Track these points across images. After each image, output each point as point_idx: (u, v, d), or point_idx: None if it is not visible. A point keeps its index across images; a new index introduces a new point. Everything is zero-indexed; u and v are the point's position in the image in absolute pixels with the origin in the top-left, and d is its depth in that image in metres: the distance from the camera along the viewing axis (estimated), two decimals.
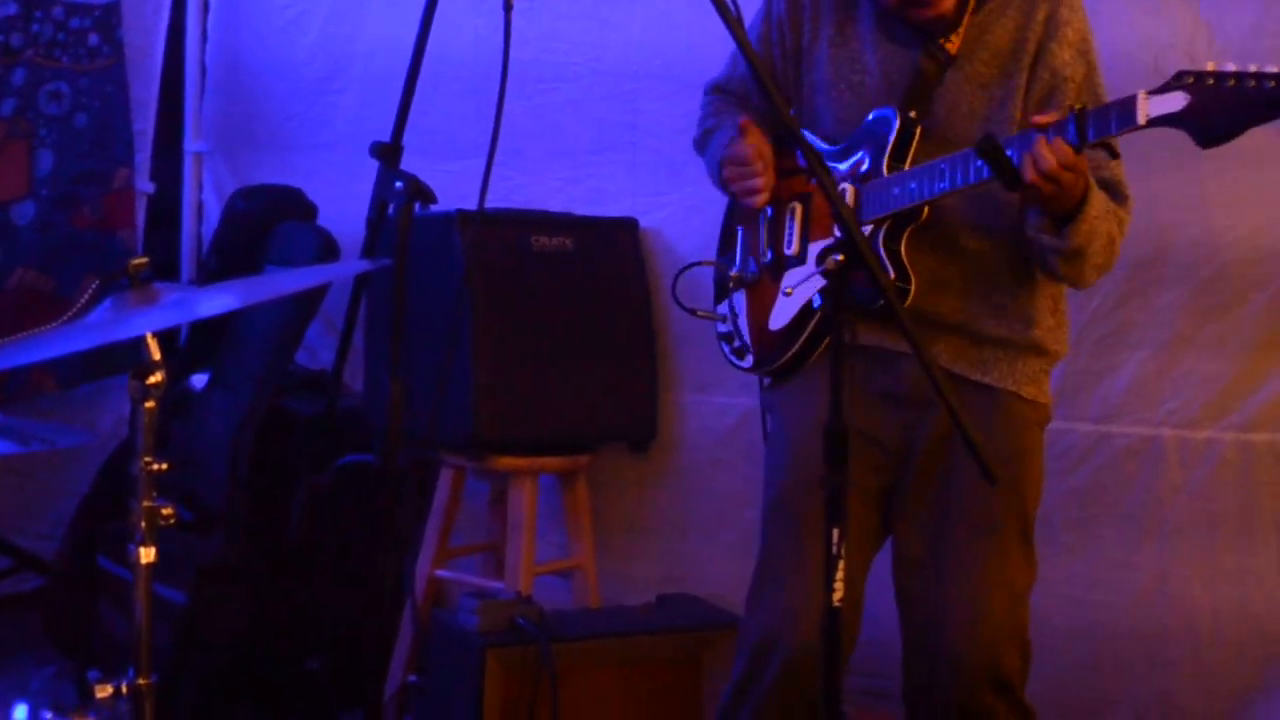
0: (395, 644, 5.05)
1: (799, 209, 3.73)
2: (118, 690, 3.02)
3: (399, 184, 3.69)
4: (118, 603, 5.01)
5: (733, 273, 3.84)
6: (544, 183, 5.39)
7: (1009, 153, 3.23)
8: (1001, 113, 3.52)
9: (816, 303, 3.61)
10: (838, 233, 3.28)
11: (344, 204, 5.33)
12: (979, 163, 3.28)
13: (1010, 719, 3.51)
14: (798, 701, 3.49)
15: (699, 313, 3.92)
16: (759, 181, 3.65)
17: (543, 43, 5.37)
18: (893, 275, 3.49)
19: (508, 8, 3.67)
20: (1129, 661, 4.61)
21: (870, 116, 3.59)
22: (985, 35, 3.55)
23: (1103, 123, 3.17)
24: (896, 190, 3.48)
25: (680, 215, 5.19)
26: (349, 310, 4.53)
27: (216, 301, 3.35)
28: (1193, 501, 4.45)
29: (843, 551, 2.97)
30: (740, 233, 3.87)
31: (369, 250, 4.25)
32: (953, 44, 3.54)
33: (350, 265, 5.04)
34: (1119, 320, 4.47)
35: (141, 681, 3.04)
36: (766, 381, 3.86)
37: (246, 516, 5.13)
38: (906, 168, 3.50)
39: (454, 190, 4.20)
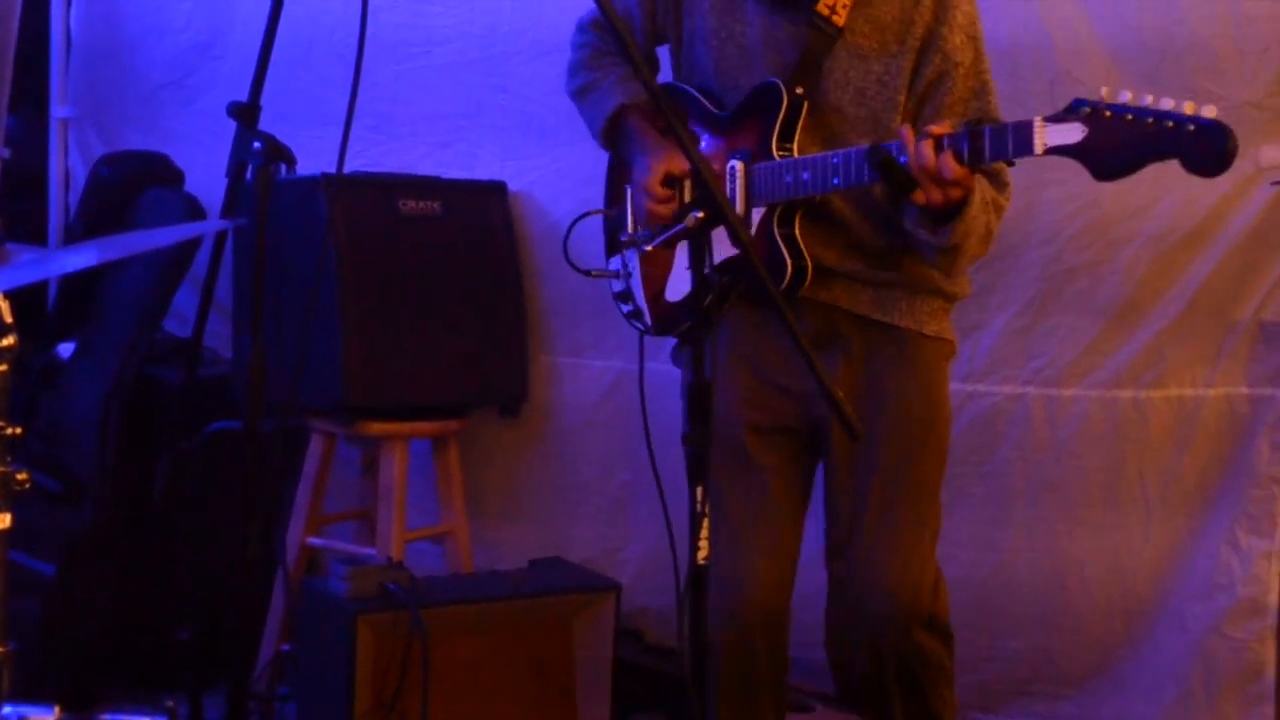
0: (268, 613, 5.02)
1: (687, 183, 3.70)
2: None
3: (257, 145, 3.65)
4: None
5: (624, 236, 3.84)
6: (413, 147, 5.36)
7: (900, 160, 3.27)
8: (884, 91, 3.54)
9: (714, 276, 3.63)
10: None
11: (220, 171, 5.28)
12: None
13: (941, 650, 3.68)
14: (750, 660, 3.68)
15: (593, 273, 3.90)
16: (668, 210, 3.65)
17: (412, 7, 5.35)
18: (790, 264, 3.51)
19: None
20: (1002, 618, 4.66)
21: (756, 85, 3.59)
22: (870, 8, 3.54)
23: (999, 147, 3.19)
24: (789, 179, 3.49)
25: (549, 179, 5.17)
26: (208, 274, 4.48)
27: (69, 260, 3.30)
28: (1060, 459, 4.49)
29: (706, 509, 2.97)
30: (629, 192, 3.84)
31: (228, 212, 4.21)
32: (839, 16, 3.51)
33: (203, 225, 4.98)
34: (985, 279, 4.48)
35: None
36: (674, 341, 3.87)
37: (115, 486, 5.07)
38: (794, 145, 3.52)
39: (324, 155, 4.15)
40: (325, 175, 4.71)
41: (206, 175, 5.58)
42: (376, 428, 4.86)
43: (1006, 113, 4.35)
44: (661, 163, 3.67)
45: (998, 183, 3.53)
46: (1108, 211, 4.39)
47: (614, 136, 3.85)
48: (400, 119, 5.38)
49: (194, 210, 5.33)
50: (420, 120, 5.40)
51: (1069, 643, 4.55)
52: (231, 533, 3.79)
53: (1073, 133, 3.07)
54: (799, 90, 3.53)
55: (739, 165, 3.58)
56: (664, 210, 3.65)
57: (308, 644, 4.42)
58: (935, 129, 3.26)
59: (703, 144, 3.67)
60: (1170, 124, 2.96)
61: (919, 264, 3.58)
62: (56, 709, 3.44)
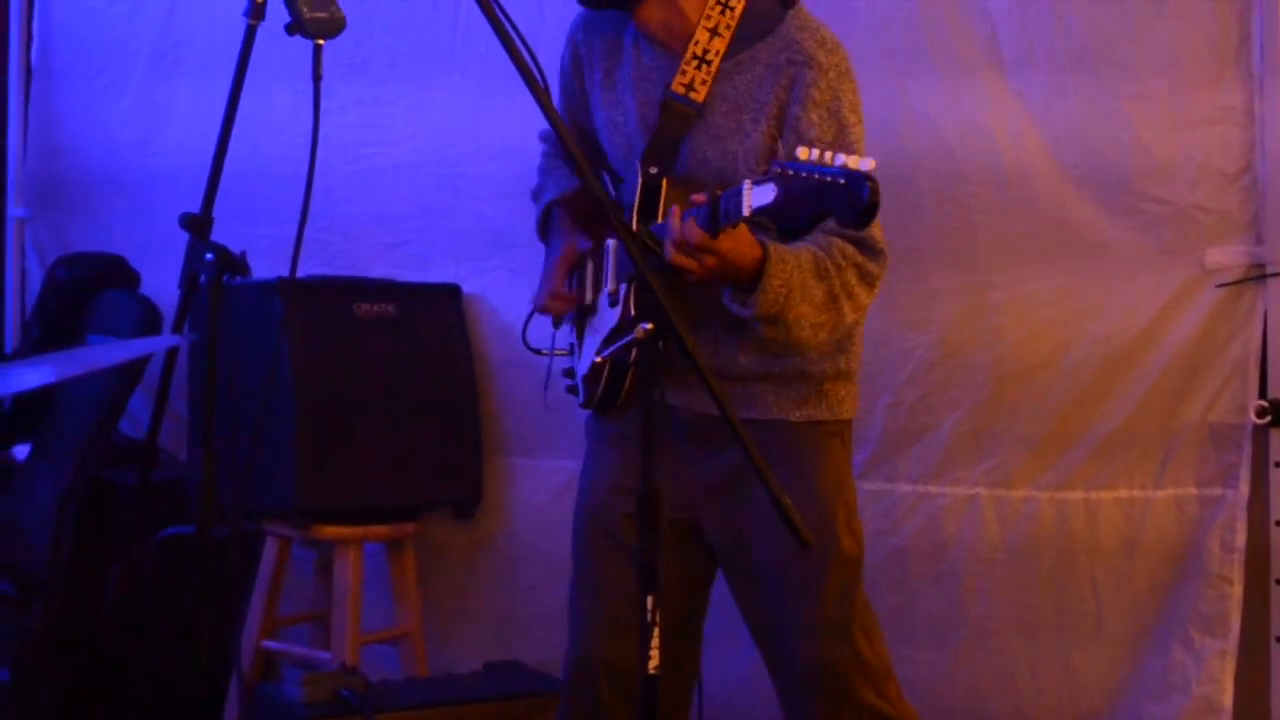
0: (223, 718, 5.00)
1: (591, 263, 3.77)
2: None
3: (209, 255, 3.66)
4: None
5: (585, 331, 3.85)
6: (364, 247, 5.38)
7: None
8: (743, 171, 3.49)
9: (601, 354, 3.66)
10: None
11: (166, 270, 5.27)
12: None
13: None
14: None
15: (543, 352, 3.93)
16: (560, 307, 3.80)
17: (364, 107, 5.37)
18: (649, 325, 3.48)
19: (316, 78, 3.66)
20: (950, 718, 4.65)
21: (630, 166, 3.66)
22: (728, 87, 3.57)
23: (730, 209, 3.13)
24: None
25: (503, 280, 5.19)
26: (161, 381, 4.49)
27: (22, 378, 3.30)
28: (1011, 559, 4.49)
29: (658, 619, 2.97)
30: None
31: (180, 323, 4.21)
32: (698, 93, 3.55)
33: (154, 342, 4.98)
34: (934, 381, 4.52)
35: None
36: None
37: (68, 589, 5.06)
38: (660, 220, 3.52)
39: (277, 255, 4.15)
40: (280, 279, 4.72)
41: (151, 273, 5.61)
42: (331, 531, 4.86)
43: (956, 218, 4.42)
44: (559, 258, 3.78)
45: (866, 249, 3.46)
46: (1055, 313, 4.42)
47: (546, 232, 3.92)
48: (352, 218, 5.40)
49: (149, 313, 5.34)
50: (372, 220, 5.42)
51: None
52: (187, 637, 3.78)
53: (768, 194, 2.99)
54: (652, 170, 3.57)
55: (612, 244, 3.63)
56: (554, 306, 3.78)
57: None
58: (695, 196, 3.26)
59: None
60: (829, 179, 2.87)
61: (777, 349, 3.56)
62: None
